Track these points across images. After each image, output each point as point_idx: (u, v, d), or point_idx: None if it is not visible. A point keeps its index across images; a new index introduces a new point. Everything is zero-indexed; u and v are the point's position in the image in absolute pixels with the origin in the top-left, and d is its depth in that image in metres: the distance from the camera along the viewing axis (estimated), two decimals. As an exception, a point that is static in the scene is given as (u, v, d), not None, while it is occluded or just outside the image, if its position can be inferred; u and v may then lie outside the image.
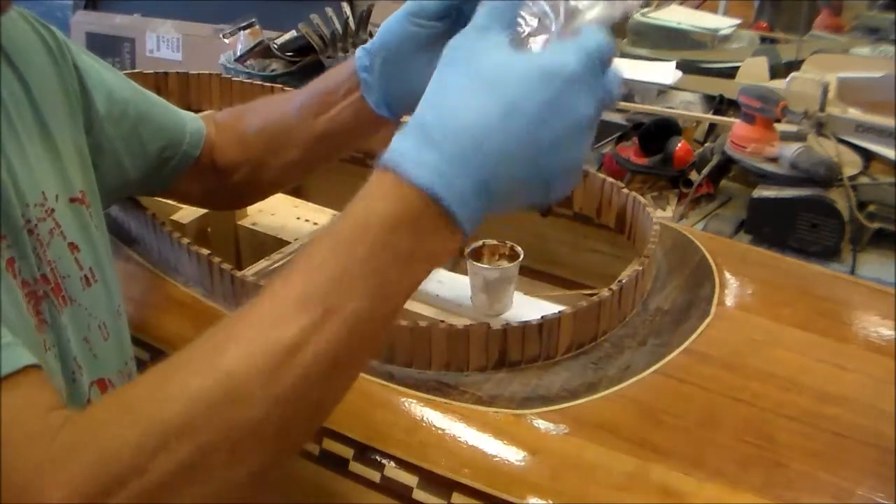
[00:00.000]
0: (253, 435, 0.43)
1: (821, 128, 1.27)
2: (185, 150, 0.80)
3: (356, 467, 0.68)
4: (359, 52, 0.74)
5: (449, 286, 0.90)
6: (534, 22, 0.52)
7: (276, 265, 0.90)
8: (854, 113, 1.32)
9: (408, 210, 0.45)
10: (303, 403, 0.45)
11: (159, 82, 1.24)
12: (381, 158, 0.47)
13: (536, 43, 0.52)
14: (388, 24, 0.71)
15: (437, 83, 0.48)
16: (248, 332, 0.45)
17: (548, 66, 0.46)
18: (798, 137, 1.26)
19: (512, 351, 0.72)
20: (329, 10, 1.68)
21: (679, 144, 1.32)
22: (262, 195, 0.91)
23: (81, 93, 0.69)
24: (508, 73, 0.46)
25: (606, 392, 0.70)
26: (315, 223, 1.02)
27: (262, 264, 0.90)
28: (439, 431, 0.67)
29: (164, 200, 0.93)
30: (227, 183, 0.84)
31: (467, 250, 0.86)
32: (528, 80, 0.46)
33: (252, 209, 1.04)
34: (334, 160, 0.85)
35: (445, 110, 0.46)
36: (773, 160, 1.22)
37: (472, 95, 0.46)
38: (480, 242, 0.86)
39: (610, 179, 0.99)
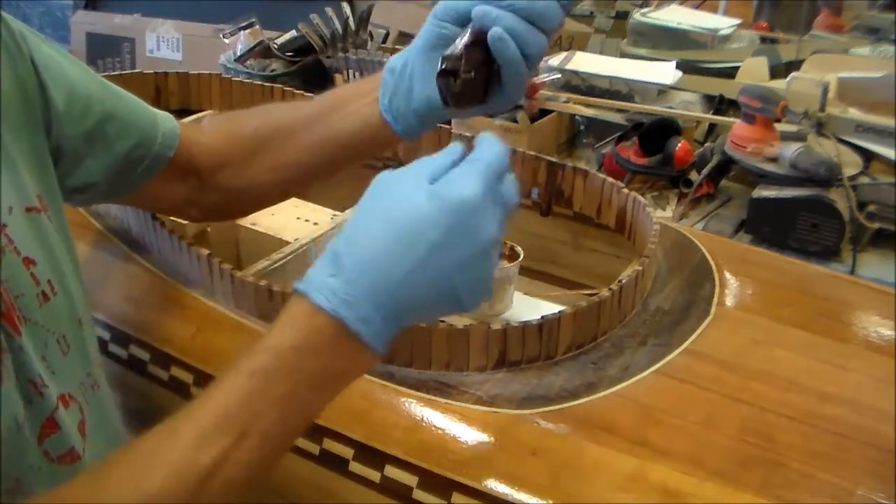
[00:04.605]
0: None
1: (821, 128, 1.27)
2: (157, 151, 0.74)
3: (356, 467, 0.68)
4: (393, 56, 0.71)
5: (449, 286, 0.90)
6: None
7: (276, 265, 0.90)
8: (854, 113, 1.32)
9: (316, 335, 0.50)
10: None
11: (159, 82, 1.24)
12: (294, 285, 0.51)
13: None
14: (422, 29, 0.69)
15: (355, 212, 0.53)
16: (170, 454, 0.48)
17: (448, 198, 0.50)
18: (798, 137, 1.26)
19: (512, 351, 0.72)
20: (329, 10, 1.68)
21: (679, 144, 1.32)
22: (245, 206, 0.85)
23: (39, 89, 0.64)
24: (409, 207, 0.50)
25: (606, 392, 0.70)
26: (315, 223, 1.02)
27: (262, 264, 0.90)
28: (439, 431, 0.67)
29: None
30: (208, 187, 0.78)
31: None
32: (429, 214, 0.50)
33: (252, 209, 1.03)
34: (332, 173, 0.79)
35: (353, 240, 0.51)
36: (773, 160, 1.23)
37: (375, 226, 0.51)
38: (480, 242, 0.86)
39: (610, 179, 0.99)
